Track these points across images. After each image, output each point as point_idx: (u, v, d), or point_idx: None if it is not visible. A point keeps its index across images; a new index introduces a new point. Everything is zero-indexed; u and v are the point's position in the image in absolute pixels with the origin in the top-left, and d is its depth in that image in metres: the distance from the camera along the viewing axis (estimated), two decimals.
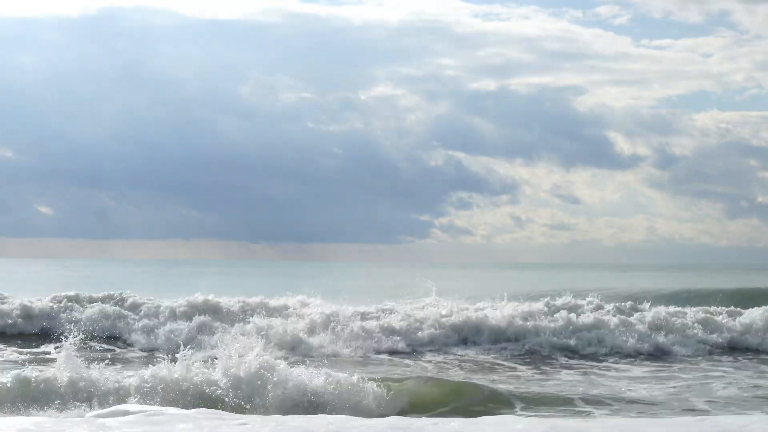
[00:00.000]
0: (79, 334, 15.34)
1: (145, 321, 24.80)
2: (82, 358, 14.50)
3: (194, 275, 71.33)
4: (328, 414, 12.79)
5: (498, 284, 41.65)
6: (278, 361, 14.49)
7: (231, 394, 13.48)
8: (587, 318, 24.84)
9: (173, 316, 25.27)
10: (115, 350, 22.82)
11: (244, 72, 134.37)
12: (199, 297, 26.28)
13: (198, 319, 24.44)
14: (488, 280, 61.75)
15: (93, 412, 12.28)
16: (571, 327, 24.20)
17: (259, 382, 13.70)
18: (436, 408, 14.17)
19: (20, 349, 21.96)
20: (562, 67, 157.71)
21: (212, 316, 24.92)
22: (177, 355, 14.03)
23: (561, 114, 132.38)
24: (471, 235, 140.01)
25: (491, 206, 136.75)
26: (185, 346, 14.88)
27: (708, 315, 25.86)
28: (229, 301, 26.68)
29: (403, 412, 13.53)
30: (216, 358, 14.17)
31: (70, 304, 26.24)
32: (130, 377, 13.95)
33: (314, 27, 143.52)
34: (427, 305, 26.12)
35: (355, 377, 14.16)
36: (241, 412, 12.72)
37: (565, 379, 18.56)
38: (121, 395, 13.42)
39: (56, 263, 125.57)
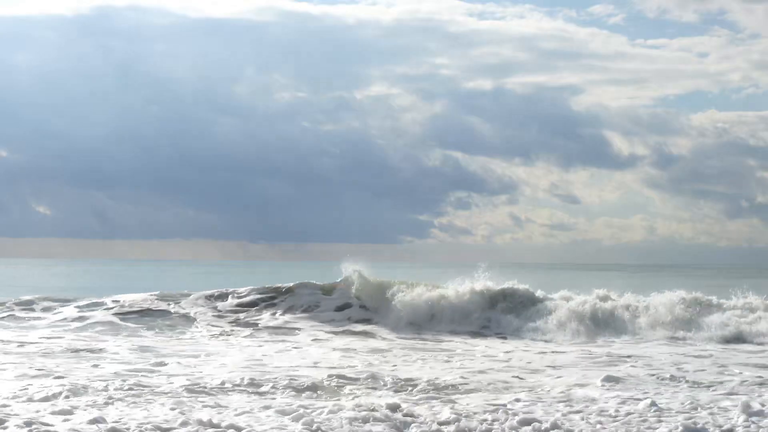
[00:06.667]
0: None
1: None
2: None
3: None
4: None
5: None
6: None
7: None
8: None
9: None
10: None
11: (239, 71, 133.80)
12: None
13: None
14: None
15: None
16: None
17: None
18: None
19: None
20: (558, 66, 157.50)
21: None
22: None
23: (558, 113, 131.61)
24: (471, 235, 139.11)
25: (490, 206, 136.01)
26: None
27: None
28: None
29: None
30: None
31: None
32: None
33: (309, 26, 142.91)
34: None
35: None
36: None
37: None
38: None
39: (51, 264, 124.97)
